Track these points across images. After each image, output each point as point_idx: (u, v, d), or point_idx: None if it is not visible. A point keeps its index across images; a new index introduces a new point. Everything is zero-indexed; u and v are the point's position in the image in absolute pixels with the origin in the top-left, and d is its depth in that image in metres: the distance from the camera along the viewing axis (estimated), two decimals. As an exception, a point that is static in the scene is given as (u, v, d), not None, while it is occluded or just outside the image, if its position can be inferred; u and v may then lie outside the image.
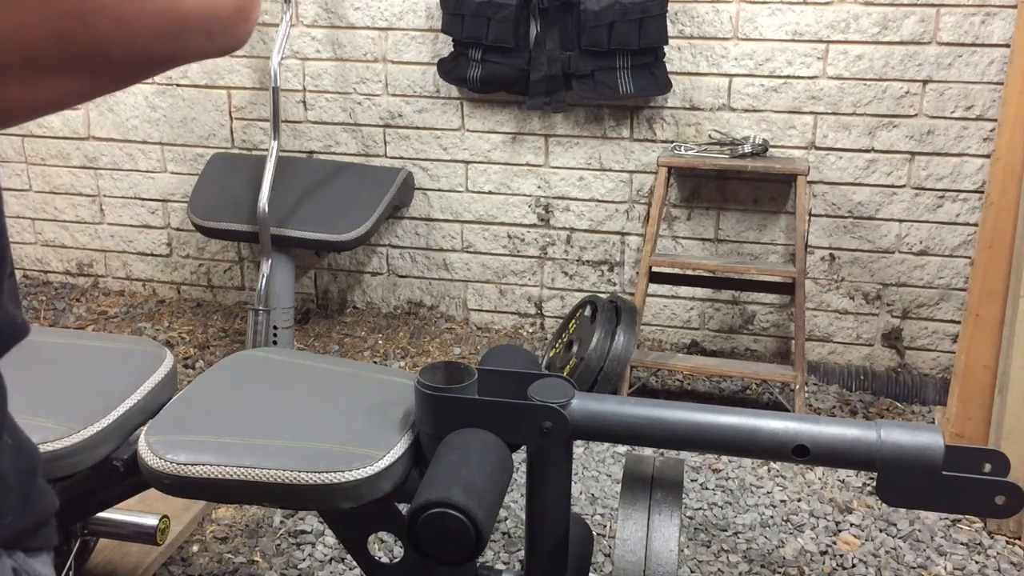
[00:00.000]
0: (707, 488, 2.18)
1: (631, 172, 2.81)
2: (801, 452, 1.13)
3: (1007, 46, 2.45)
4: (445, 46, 2.78)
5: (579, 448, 2.30)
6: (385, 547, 1.91)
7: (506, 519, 2.04)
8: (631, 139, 2.78)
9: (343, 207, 2.71)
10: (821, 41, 2.57)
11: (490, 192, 2.93)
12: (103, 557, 1.78)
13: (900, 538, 2.00)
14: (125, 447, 1.32)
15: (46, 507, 0.54)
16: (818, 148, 2.66)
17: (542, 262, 2.97)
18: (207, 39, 0.45)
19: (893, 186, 2.65)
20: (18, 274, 3.28)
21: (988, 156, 2.54)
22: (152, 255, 3.26)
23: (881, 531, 2.03)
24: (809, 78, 2.61)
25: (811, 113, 2.63)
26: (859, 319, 2.78)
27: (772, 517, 2.07)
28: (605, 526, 2.03)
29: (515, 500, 2.10)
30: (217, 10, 0.44)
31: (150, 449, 1.20)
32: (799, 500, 2.14)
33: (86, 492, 1.40)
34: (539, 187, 2.89)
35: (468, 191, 2.95)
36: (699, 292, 2.88)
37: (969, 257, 2.65)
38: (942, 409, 2.52)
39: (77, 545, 1.61)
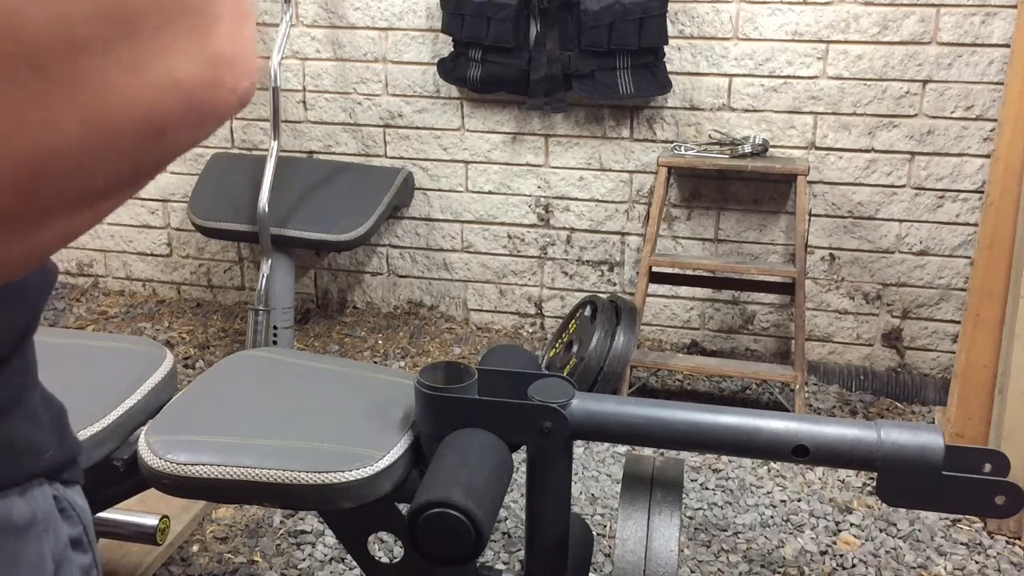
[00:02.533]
0: (707, 488, 2.18)
1: (631, 172, 2.81)
2: (801, 452, 1.13)
3: (1007, 46, 2.45)
4: (445, 46, 2.78)
5: (579, 448, 2.30)
6: (385, 547, 1.91)
7: (506, 519, 2.04)
8: (631, 139, 2.78)
9: (343, 207, 2.71)
10: (821, 41, 2.57)
11: (490, 192, 2.93)
12: (103, 557, 1.78)
13: (900, 538, 2.00)
14: (125, 447, 1.31)
15: (76, 447, 0.62)
16: (818, 148, 2.66)
17: (542, 262, 2.97)
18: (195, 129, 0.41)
19: (893, 186, 2.65)
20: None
21: (988, 156, 2.54)
22: (152, 255, 3.26)
23: (881, 531, 2.03)
24: (809, 78, 2.61)
25: (811, 113, 2.64)
26: (859, 319, 2.78)
27: (772, 517, 2.07)
28: (605, 526, 2.03)
29: (515, 500, 2.10)
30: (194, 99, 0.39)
31: (150, 449, 1.20)
32: (799, 500, 2.14)
33: (86, 492, 1.39)
34: (539, 187, 2.89)
35: (468, 191, 2.95)
36: (699, 292, 2.88)
37: (969, 257, 2.65)
38: (942, 409, 2.52)
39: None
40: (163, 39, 0.36)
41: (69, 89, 0.34)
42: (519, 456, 1.91)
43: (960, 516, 2.08)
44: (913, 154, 2.61)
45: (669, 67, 2.64)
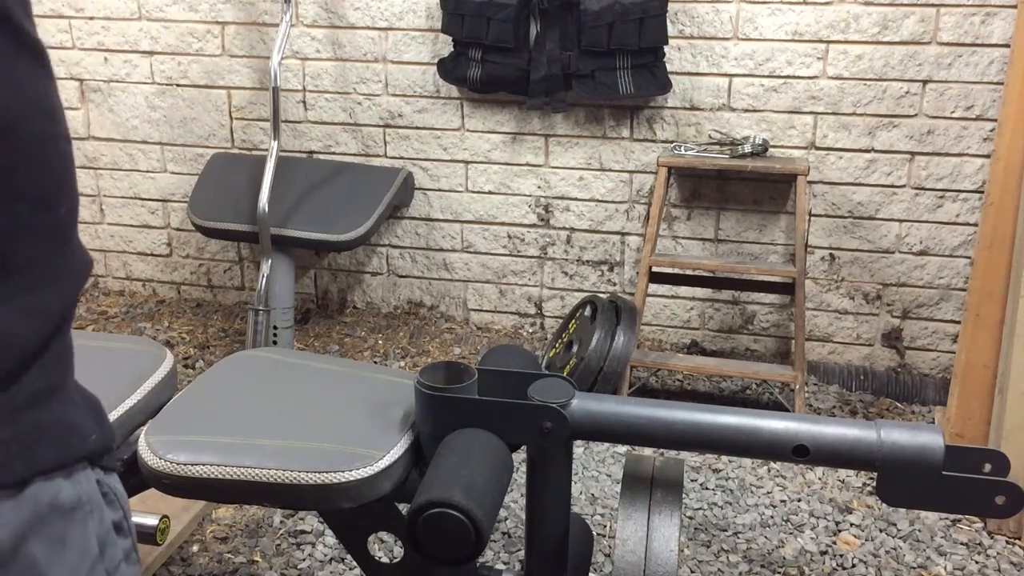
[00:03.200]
0: (707, 488, 2.18)
1: (631, 172, 2.81)
2: (801, 452, 1.13)
3: (1007, 46, 2.45)
4: (445, 46, 2.78)
5: (579, 448, 2.30)
6: (385, 547, 1.91)
7: (506, 519, 2.04)
8: (631, 139, 2.78)
9: (343, 207, 2.71)
10: (821, 41, 2.57)
11: (490, 192, 2.93)
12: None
13: (900, 538, 2.00)
14: (125, 447, 1.31)
15: (113, 435, 0.64)
16: (818, 148, 2.66)
17: (542, 262, 2.97)
18: None
19: (893, 186, 2.65)
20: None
21: (988, 156, 2.54)
22: (152, 255, 3.26)
23: (881, 531, 2.03)
24: (809, 78, 2.61)
25: (811, 113, 2.63)
26: (859, 319, 2.78)
27: (772, 517, 2.07)
28: (605, 526, 2.03)
29: (515, 500, 2.10)
30: None
31: (150, 449, 1.20)
32: (799, 500, 2.14)
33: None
34: (539, 187, 2.89)
35: (468, 191, 2.95)
36: (699, 292, 2.88)
37: (969, 257, 2.65)
38: (942, 409, 2.52)
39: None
40: None
41: None
42: (519, 456, 1.91)
43: (960, 516, 2.08)
44: (913, 154, 2.61)
45: (669, 67, 2.64)
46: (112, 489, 0.62)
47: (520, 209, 2.93)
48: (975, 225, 2.61)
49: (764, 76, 2.63)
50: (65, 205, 0.57)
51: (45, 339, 0.55)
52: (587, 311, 2.53)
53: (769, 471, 2.25)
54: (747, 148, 2.50)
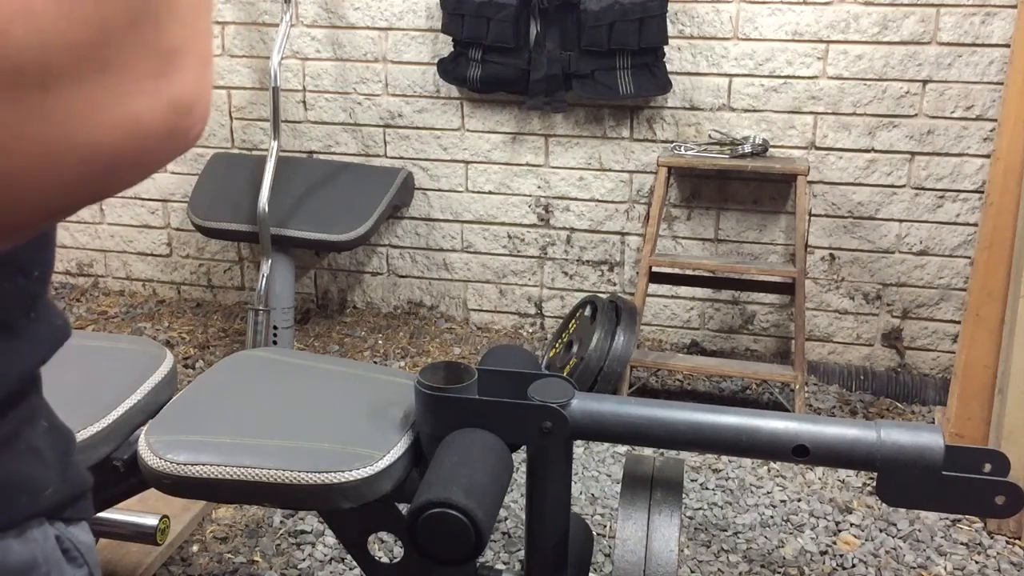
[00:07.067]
0: (707, 488, 2.18)
1: (631, 172, 2.81)
2: (801, 452, 1.13)
3: (1007, 46, 2.45)
4: (445, 46, 2.78)
5: (579, 448, 2.30)
6: (385, 547, 1.91)
7: (506, 519, 2.04)
8: (631, 139, 2.78)
9: (343, 207, 2.71)
10: (821, 41, 2.57)
11: (490, 192, 2.93)
12: (103, 557, 1.78)
13: (900, 538, 2.00)
14: (125, 447, 1.31)
15: (82, 482, 0.58)
16: (818, 148, 2.66)
17: (542, 262, 2.97)
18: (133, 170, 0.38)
19: (893, 186, 2.65)
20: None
21: (988, 156, 2.54)
22: (152, 255, 3.26)
23: (881, 531, 2.03)
24: (809, 78, 2.61)
25: (811, 113, 2.63)
26: (859, 319, 2.78)
27: (772, 517, 2.07)
28: (605, 526, 2.03)
29: (515, 500, 2.10)
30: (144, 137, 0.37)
31: (150, 449, 1.20)
32: (799, 500, 2.14)
33: (86, 492, 1.39)
34: (539, 187, 2.89)
35: (468, 191, 2.95)
36: (699, 292, 2.88)
37: (969, 257, 2.65)
38: (942, 409, 2.52)
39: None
40: (132, 81, 0.35)
41: (33, 119, 0.32)
42: (519, 456, 1.91)
43: (960, 516, 2.08)
44: (913, 154, 2.61)
45: (669, 67, 2.64)
46: (75, 543, 0.55)
47: (520, 209, 2.93)
48: (975, 225, 2.61)
49: (764, 76, 2.63)
50: (39, 269, 0.53)
51: (9, 393, 0.51)
52: (587, 311, 2.53)
53: (769, 471, 2.25)
54: (747, 148, 2.50)
